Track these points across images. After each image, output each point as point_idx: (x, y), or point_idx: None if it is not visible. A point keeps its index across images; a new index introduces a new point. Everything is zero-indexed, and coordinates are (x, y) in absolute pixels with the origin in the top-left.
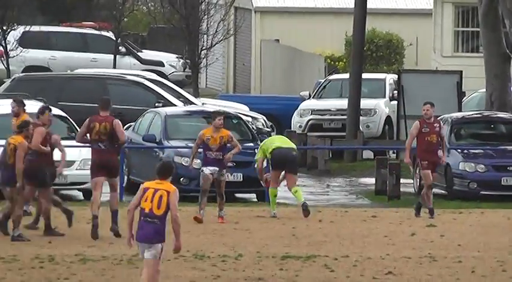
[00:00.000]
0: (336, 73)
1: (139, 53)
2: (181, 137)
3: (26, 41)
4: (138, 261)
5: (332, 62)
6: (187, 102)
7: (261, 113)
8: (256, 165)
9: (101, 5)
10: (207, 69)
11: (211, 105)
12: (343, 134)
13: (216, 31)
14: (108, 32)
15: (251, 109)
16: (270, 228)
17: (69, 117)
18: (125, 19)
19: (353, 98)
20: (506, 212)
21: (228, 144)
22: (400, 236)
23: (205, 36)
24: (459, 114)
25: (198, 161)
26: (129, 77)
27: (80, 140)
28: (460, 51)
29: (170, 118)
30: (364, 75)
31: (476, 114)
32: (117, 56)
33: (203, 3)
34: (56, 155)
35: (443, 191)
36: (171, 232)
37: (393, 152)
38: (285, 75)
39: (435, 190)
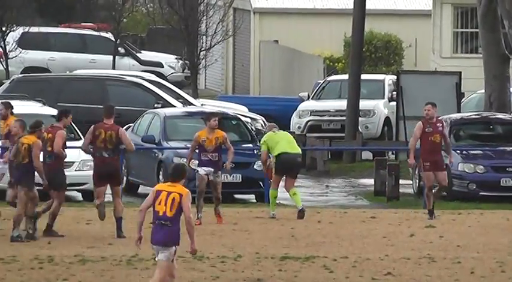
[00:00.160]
0: (334, 74)
1: (138, 54)
2: (180, 138)
3: (25, 42)
4: (137, 262)
5: (331, 63)
6: (186, 103)
7: (260, 114)
8: (261, 156)
9: (100, 6)
10: (206, 70)
11: (210, 106)
12: (342, 135)
13: (215, 32)
14: (107, 33)
15: (250, 110)
16: (269, 229)
17: None
18: (124, 20)
19: (352, 99)
20: (506, 212)
21: (223, 146)
22: (399, 237)
23: (204, 37)
24: (458, 115)
25: (196, 161)
26: (128, 78)
27: (86, 148)
28: (459, 52)
29: (169, 119)
30: (363, 76)
31: (475, 115)
32: (116, 57)
33: (202, 4)
34: None
35: (442, 192)
36: (184, 233)
37: (392, 153)
38: (284, 76)
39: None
